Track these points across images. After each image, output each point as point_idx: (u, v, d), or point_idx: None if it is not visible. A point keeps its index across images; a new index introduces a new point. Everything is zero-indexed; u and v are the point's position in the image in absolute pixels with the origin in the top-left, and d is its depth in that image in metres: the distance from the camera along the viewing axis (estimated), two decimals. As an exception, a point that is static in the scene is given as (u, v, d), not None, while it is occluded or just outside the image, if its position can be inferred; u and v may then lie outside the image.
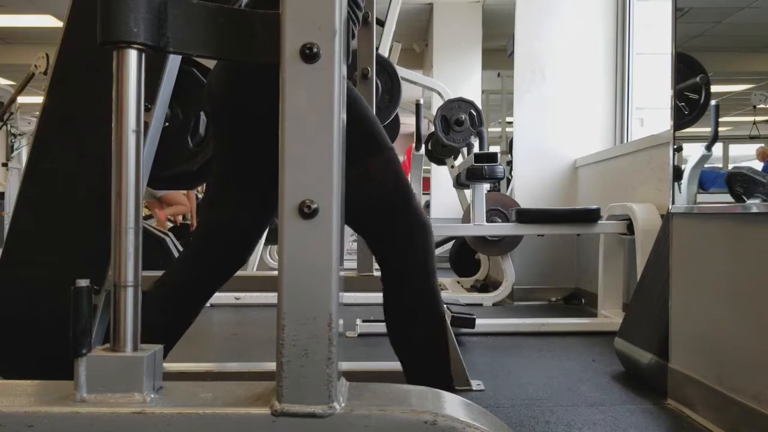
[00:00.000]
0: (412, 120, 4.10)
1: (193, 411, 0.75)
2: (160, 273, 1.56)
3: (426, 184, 7.03)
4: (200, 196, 9.72)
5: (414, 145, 4.06)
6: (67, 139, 1.63)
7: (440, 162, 5.74)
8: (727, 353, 1.87)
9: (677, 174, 2.16)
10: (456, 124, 4.49)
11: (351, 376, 0.86)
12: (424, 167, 5.55)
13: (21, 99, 4.48)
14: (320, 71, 0.77)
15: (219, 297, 3.88)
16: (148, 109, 1.56)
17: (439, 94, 5.02)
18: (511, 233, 4.22)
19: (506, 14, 6.22)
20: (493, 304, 4.46)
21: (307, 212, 0.77)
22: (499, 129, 9.84)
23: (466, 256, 5.23)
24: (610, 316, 3.62)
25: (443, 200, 6.05)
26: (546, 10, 4.82)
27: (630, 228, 3.51)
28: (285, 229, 0.77)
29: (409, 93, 4.18)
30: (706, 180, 2.17)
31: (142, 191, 0.83)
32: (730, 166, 2.40)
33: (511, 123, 6.18)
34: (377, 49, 2.79)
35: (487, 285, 5.22)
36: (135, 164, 0.80)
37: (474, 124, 4.50)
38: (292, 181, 0.77)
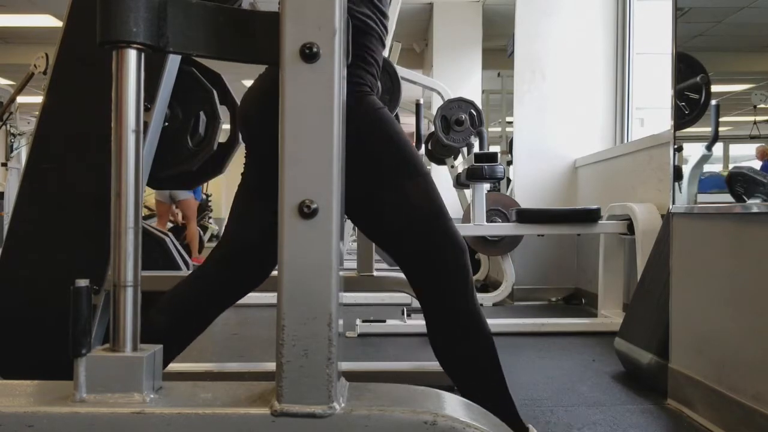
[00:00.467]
0: (412, 120, 4.09)
1: (193, 411, 0.75)
2: (160, 273, 1.56)
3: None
4: (203, 196, 9.75)
5: (414, 144, 4.05)
6: (66, 138, 1.62)
7: (440, 162, 5.73)
8: (727, 353, 1.87)
9: (677, 174, 2.16)
10: (456, 124, 4.49)
11: (351, 376, 0.86)
12: (424, 167, 5.54)
13: (20, 99, 4.47)
14: (320, 71, 0.77)
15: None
16: (147, 109, 1.56)
17: (439, 94, 5.01)
18: (511, 233, 4.21)
19: (506, 14, 6.22)
20: (494, 304, 4.46)
21: (306, 212, 0.76)
22: (499, 129, 9.84)
23: (466, 256, 5.22)
24: (610, 316, 3.62)
25: (443, 200, 6.05)
26: (546, 10, 4.82)
27: (630, 228, 3.51)
28: (285, 229, 0.77)
29: (409, 93, 4.18)
30: (703, 187, 2.17)
31: (141, 191, 0.82)
32: (731, 166, 2.40)
33: (511, 123, 6.17)
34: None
35: (487, 285, 5.22)
36: (135, 164, 0.80)
37: (474, 124, 4.50)
38: (291, 181, 0.77)
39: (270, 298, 3.85)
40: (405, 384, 0.85)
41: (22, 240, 1.63)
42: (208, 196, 10.41)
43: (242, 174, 1.46)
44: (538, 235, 4.10)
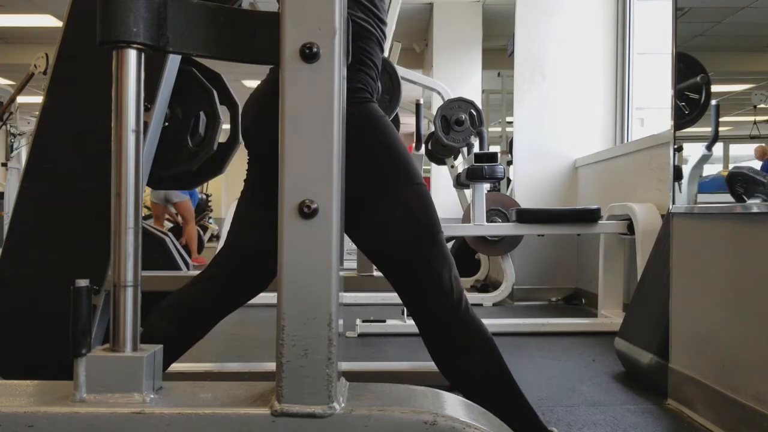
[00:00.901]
0: (412, 120, 4.09)
1: (193, 411, 0.75)
2: (160, 273, 1.55)
3: (426, 184, 7.00)
4: (202, 196, 9.75)
5: (414, 145, 4.05)
6: (66, 138, 1.62)
7: (440, 162, 5.73)
8: (727, 353, 1.87)
9: (677, 174, 2.16)
10: (456, 124, 4.49)
11: (351, 376, 0.86)
12: (424, 167, 5.55)
13: (21, 99, 4.47)
14: (320, 71, 0.77)
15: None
16: (147, 109, 1.56)
17: (439, 93, 5.01)
18: (511, 233, 4.21)
19: (506, 14, 6.21)
20: (494, 304, 4.46)
21: (306, 212, 0.76)
22: (499, 129, 9.84)
23: (466, 256, 5.23)
24: (610, 316, 3.62)
25: (443, 200, 6.03)
26: (546, 10, 4.82)
27: (630, 228, 3.51)
28: (285, 229, 0.77)
29: (409, 93, 4.18)
30: (707, 188, 2.17)
31: (141, 191, 0.82)
32: (731, 166, 2.40)
33: (511, 123, 6.17)
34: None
35: (487, 285, 5.22)
36: (134, 164, 0.79)
37: (474, 123, 4.49)
38: (291, 181, 0.77)
39: (270, 298, 3.83)
40: (405, 384, 0.85)
41: (22, 240, 1.63)
42: (208, 196, 10.42)
43: (245, 180, 1.46)
44: (538, 235, 4.10)
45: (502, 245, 4.47)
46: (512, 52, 5.11)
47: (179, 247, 2.52)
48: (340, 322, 0.81)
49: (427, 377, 2.20)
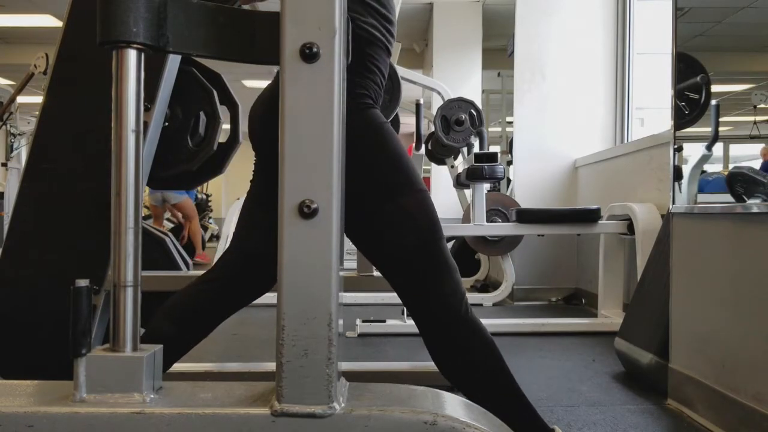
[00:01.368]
0: (412, 120, 4.08)
1: (193, 411, 0.75)
2: (160, 273, 1.55)
3: (426, 184, 6.99)
4: (200, 196, 9.75)
5: (414, 145, 4.05)
6: (66, 138, 1.62)
7: (440, 162, 5.73)
8: (727, 353, 1.87)
9: (677, 174, 2.16)
10: (456, 124, 4.49)
11: (351, 376, 0.86)
12: (424, 167, 5.55)
13: (21, 99, 4.47)
14: (320, 71, 0.77)
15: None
16: (147, 109, 1.56)
17: (439, 94, 5.01)
18: (511, 233, 4.21)
19: (506, 14, 6.21)
20: (493, 304, 4.46)
21: (306, 212, 0.76)
22: (499, 129, 9.84)
23: (466, 256, 5.23)
24: (610, 316, 3.62)
25: (443, 200, 6.04)
26: (546, 10, 4.82)
27: (630, 228, 3.51)
28: (285, 229, 0.77)
29: (409, 93, 4.18)
30: (710, 188, 2.17)
31: (141, 191, 0.82)
32: (731, 166, 2.40)
33: (511, 123, 6.17)
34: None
35: (487, 285, 5.22)
36: (134, 164, 0.80)
37: (474, 123, 4.49)
38: (291, 181, 0.77)
39: (270, 298, 3.83)
40: (405, 384, 0.85)
41: (22, 240, 1.63)
42: (208, 196, 10.42)
43: (251, 181, 1.46)
44: (538, 235, 4.10)
45: (502, 245, 4.47)
46: (512, 52, 5.11)
47: (179, 247, 2.52)
48: (340, 322, 0.81)
49: (427, 377, 2.20)
